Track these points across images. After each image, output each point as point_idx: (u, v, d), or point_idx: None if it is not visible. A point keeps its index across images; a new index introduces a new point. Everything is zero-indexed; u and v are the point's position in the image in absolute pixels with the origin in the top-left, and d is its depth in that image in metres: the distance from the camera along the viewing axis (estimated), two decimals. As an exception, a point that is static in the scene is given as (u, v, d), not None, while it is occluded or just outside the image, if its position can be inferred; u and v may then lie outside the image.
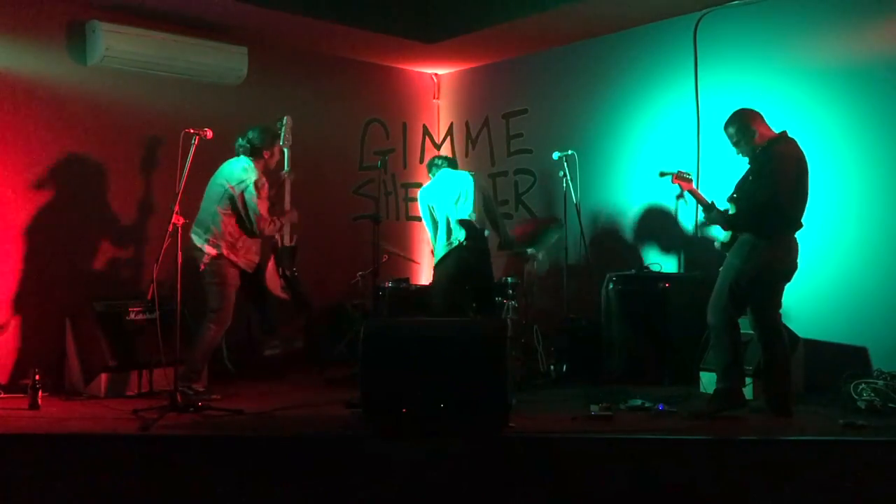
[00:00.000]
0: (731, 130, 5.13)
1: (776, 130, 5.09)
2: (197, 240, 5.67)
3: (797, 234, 5.01)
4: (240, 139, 5.84)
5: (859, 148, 5.72)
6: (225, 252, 5.65)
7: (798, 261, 5.00)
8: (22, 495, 4.06)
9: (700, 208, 5.38)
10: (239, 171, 5.72)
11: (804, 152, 5.01)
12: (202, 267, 5.64)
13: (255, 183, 5.68)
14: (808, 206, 5.03)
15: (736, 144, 5.13)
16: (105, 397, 5.62)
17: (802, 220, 4.98)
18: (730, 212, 5.17)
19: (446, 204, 6.25)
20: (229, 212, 5.68)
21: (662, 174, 5.67)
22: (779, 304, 5.07)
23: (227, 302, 5.69)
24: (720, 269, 5.12)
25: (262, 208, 5.71)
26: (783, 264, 4.96)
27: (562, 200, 6.52)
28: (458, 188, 6.28)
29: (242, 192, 5.65)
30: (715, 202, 5.27)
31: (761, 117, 5.12)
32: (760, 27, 6.14)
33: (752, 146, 5.05)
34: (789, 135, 5.05)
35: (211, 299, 5.69)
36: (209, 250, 5.64)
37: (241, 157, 5.81)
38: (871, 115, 5.66)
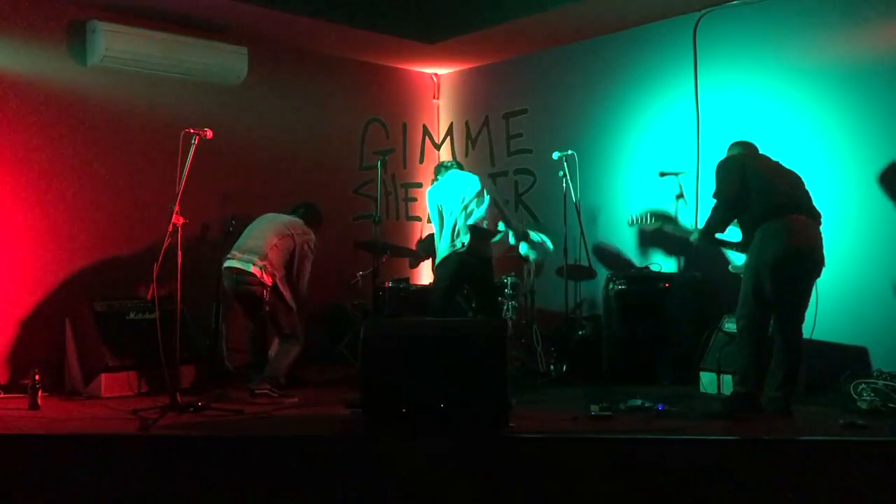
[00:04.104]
0: None
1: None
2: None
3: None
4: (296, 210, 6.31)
5: (859, 148, 5.72)
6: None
7: (809, 247, 4.92)
8: (22, 495, 4.06)
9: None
10: (302, 225, 6.16)
11: (755, 148, 5.24)
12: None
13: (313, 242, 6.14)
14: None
15: None
16: (105, 397, 5.63)
17: (770, 206, 4.95)
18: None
19: (455, 204, 6.17)
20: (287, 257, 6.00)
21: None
22: (800, 304, 4.98)
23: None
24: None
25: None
26: (786, 246, 4.86)
27: (562, 200, 6.52)
28: (466, 189, 6.22)
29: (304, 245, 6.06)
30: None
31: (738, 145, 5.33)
32: (760, 27, 6.14)
33: None
34: (738, 141, 5.31)
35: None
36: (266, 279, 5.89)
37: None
38: (870, 115, 5.66)
